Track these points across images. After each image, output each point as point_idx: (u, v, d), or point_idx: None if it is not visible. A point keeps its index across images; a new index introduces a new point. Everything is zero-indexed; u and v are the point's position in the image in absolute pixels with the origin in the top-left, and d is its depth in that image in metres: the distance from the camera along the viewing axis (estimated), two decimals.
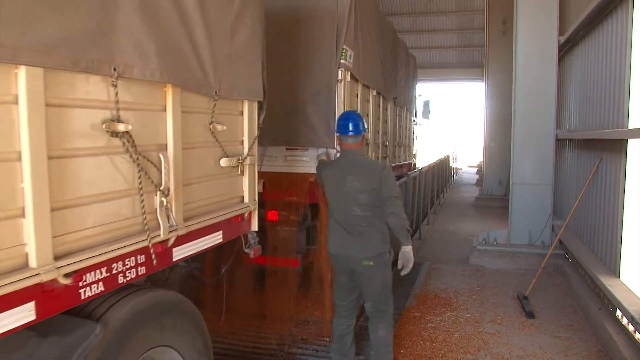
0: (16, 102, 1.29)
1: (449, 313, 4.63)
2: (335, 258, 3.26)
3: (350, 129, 3.22)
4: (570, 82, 7.02)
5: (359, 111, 4.96)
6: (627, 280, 4.24)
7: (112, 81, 1.58)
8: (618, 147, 4.52)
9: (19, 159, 1.31)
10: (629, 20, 4.27)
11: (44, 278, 1.35)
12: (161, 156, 1.85)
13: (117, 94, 1.60)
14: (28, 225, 1.33)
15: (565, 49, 7.08)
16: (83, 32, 1.44)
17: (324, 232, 4.82)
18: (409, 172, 7.57)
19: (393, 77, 6.68)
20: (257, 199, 2.70)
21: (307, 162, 4.39)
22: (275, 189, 4.35)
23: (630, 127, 4.20)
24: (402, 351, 3.81)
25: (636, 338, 3.62)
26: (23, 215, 1.32)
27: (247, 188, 2.58)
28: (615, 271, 4.45)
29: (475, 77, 20.92)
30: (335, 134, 3.42)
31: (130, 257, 1.74)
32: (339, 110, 4.26)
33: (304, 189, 4.38)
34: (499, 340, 4.04)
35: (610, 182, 4.77)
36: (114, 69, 1.57)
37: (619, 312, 4.01)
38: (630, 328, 3.71)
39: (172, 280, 2.61)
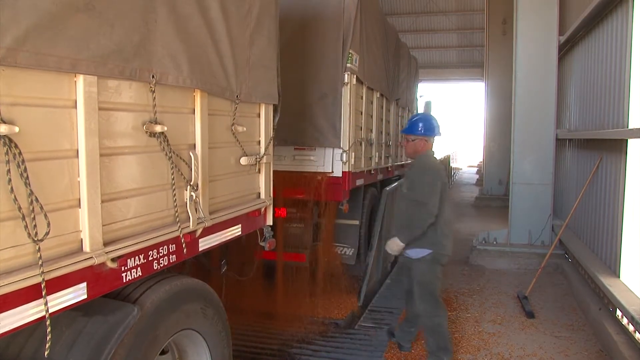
0: (75, 107, 1.47)
1: (449, 313, 4.59)
2: (448, 259, 3.57)
3: (437, 132, 3.64)
4: (570, 82, 7.04)
5: (363, 112, 5.13)
6: (627, 280, 4.24)
7: (151, 87, 1.77)
8: (618, 147, 4.53)
9: (76, 156, 1.49)
10: (629, 20, 4.30)
11: (96, 261, 1.52)
12: (191, 154, 2.03)
13: (154, 98, 1.79)
14: (83, 214, 1.51)
15: (565, 49, 7.10)
16: (128, 44, 1.63)
17: (329, 228, 5.00)
18: None
19: (396, 79, 6.84)
20: (272, 195, 2.87)
21: (314, 162, 4.55)
22: (283, 187, 4.51)
23: (630, 127, 4.22)
24: (402, 350, 3.84)
25: (636, 338, 3.62)
26: (79, 205, 1.51)
27: (264, 185, 2.77)
28: (615, 271, 4.45)
29: (475, 77, 21.04)
30: (418, 136, 3.56)
31: (163, 246, 1.92)
32: (345, 112, 4.43)
33: (312, 187, 4.54)
34: (499, 340, 4.07)
35: (610, 182, 4.78)
36: (153, 77, 1.76)
37: (619, 312, 4.01)
38: (630, 328, 3.71)
39: (184, 274, 2.75)
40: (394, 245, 3.46)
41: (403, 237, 3.41)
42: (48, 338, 1.29)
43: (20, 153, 1.26)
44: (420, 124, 3.56)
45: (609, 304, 4.28)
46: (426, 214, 3.29)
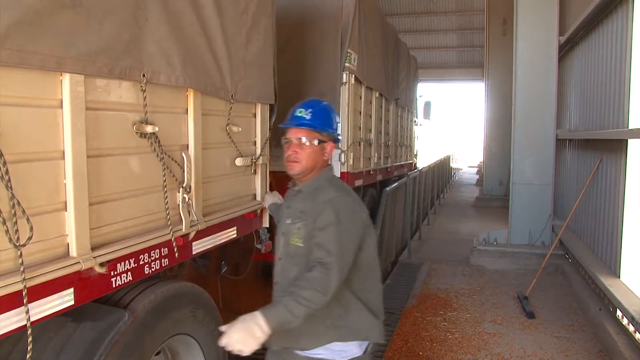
0: (60, 106, 1.43)
1: (449, 313, 4.63)
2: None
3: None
4: (570, 82, 7.02)
5: (361, 112, 5.06)
6: (627, 280, 4.22)
7: (142, 86, 1.72)
8: (618, 147, 4.51)
9: (62, 157, 1.44)
10: (629, 20, 4.27)
11: (83, 266, 1.48)
12: (184, 155, 1.98)
13: (145, 98, 1.74)
14: (69, 218, 1.46)
15: (566, 49, 7.07)
16: (118, 42, 1.59)
17: None
18: (409, 172, 7.69)
19: (395, 79, 6.80)
20: None
21: None
22: (281, 188, 4.47)
23: (630, 127, 4.19)
24: (402, 350, 3.82)
25: (636, 338, 3.61)
26: (65, 208, 1.46)
27: (259, 186, 2.72)
28: (615, 271, 4.42)
29: (475, 77, 21.00)
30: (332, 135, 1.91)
31: (155, 250, 1.87)
32: (343, 112, 4.39)
33: None
34: (499, 341, 4.04)
35: (610, 182, 4.76)
36: (144, 75, 1.71)
37: (619, 312, 3.99)
38: (631, 328, 3.70)
39: (181, 277, 2.71)
40: (251, 336, 1.57)
41: (283, 315, 1.61)
42: (29, 348, 1.24)
43: (1, 155, 1.22)
44: (333, 114, 1.93)
45: (609, 304, 4.26)
46: (335, 275, 1.65)
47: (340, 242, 1.68)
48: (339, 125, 1.94)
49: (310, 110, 1.84)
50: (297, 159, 1.82)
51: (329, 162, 1.94)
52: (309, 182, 1.87)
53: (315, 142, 1.83)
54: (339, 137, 1.94)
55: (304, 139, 1.81)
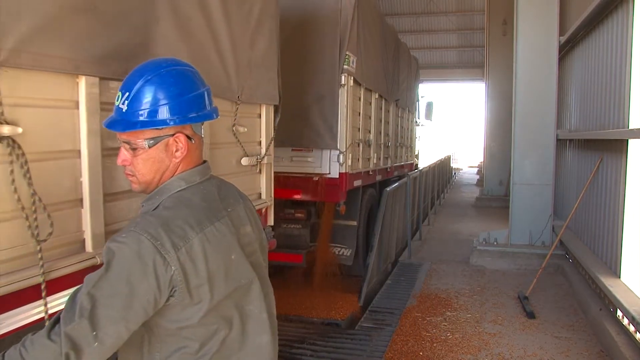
0: (77, 107, 1.48)
1: (449, 313, 4.64)
2: None
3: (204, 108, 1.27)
4: (570, 82, 7.02)
5: (360, 113, 5.08)
6: (628, 280, 4.21)
7: None
8: (618, 147, 4.51)
9: (79, 156, 1.50)
10: (629, 20, 4.28)
11: (98, 261, 1.53)
12: None
13: None
14: (85, 214, 1.52)
15: (566, 49, 7.08)
16: (131, 45, 1.65)
17: (327, 229, 4.97)
18: (409, 172, 7.73)
19: (395, 80, 6.84)
20: (272, 195, 2.88)
21: (311, 163, 4.57)
22: (281, 187, 4.53)
23: (630, 127, 4.19)
24: (403, 350, 3.84)
25: (637, 338, 3.60)
26: (81, 205, 1.52)
27: (264, 185, 2.77)
28: (615, 271, 4.42)
29: (475, 77, 21.05)
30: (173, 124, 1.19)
31: None
32: (342, 113, 4.43)
33: (309, 188, 4.55)
34: (499, 341, 4.05)
35: (610, 182, 4.76)
36: None
37: (619, 313, 3.98)
38: (631, 328, 3.70)
39: None
40: None
41: None
42: None
43: (23, 154, 1.27)
44: (171, 86, 1.20)
45: (609, 304, 4.27)
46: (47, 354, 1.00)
47: (94, 301, 1.04)
48: (205, 92, 1.27)
49: (127, 93, 1.16)
50: (131, 172, 1.22)
51: (201, 160, 1.27)
52: (149, 199, 1.23)
53: (144, 144, 1.17)
54: (204, 113, 1.24)
55: (131, 142, 1.18)
